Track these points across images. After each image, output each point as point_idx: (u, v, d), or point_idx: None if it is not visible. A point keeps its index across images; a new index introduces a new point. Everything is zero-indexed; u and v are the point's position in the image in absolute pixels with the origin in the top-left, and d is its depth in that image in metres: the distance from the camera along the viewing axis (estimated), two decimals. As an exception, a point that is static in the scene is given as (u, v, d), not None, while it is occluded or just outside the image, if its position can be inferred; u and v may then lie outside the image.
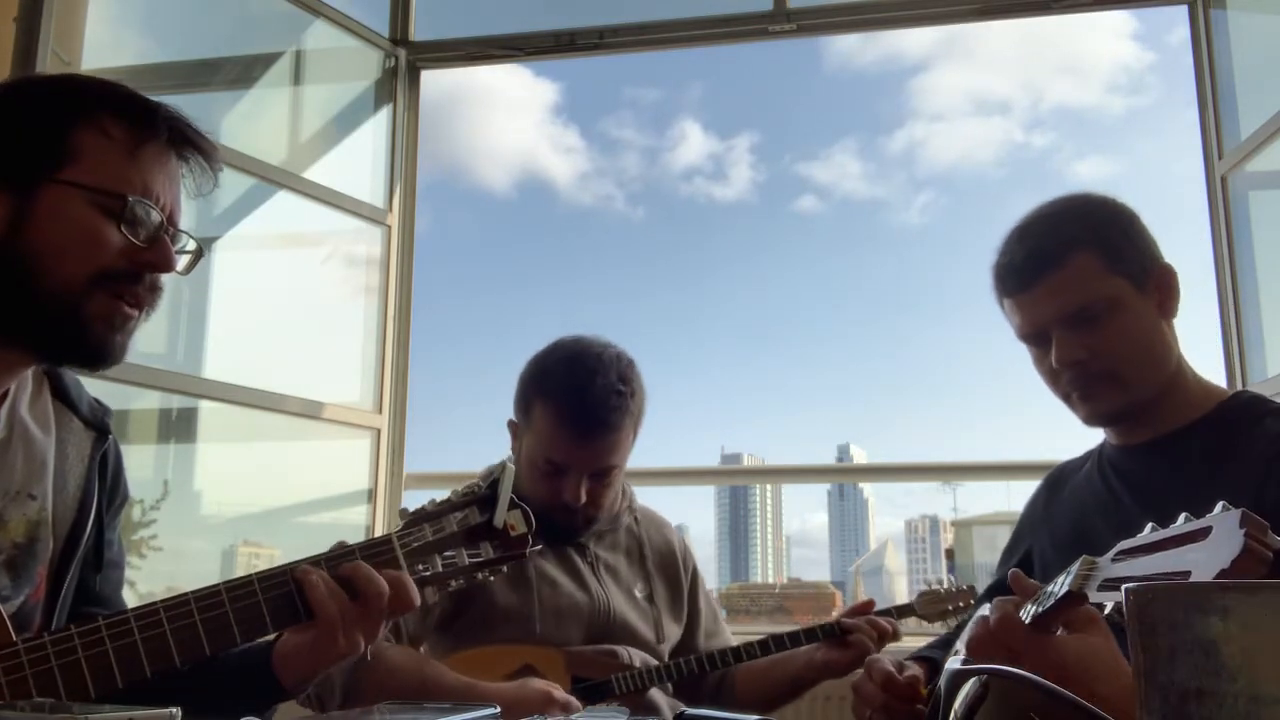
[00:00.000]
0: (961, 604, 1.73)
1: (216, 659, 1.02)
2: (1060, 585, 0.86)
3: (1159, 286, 1.28)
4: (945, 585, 1.76)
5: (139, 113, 1.01)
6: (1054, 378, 1.29)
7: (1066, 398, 1.30)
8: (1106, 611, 0.80)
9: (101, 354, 1.00)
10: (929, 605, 1.75)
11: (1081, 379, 1.26)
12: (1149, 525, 0.80)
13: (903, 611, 1.71)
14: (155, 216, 0.99)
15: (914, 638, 1.90)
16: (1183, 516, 0.75)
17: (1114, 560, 0.82)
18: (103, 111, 0.99)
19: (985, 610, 1.02)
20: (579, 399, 1.59)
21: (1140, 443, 1.31)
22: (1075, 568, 0.85)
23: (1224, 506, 0.72)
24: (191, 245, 1.06)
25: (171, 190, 1.03)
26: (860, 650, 1.60)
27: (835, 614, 1.69)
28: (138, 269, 0.98)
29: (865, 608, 1.69)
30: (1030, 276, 1.26)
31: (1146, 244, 1.29)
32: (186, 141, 1.04)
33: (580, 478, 1.61)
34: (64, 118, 0.99)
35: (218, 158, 1.08)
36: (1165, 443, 1.27)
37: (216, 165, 1.09)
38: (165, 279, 1.04)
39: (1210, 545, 0.70)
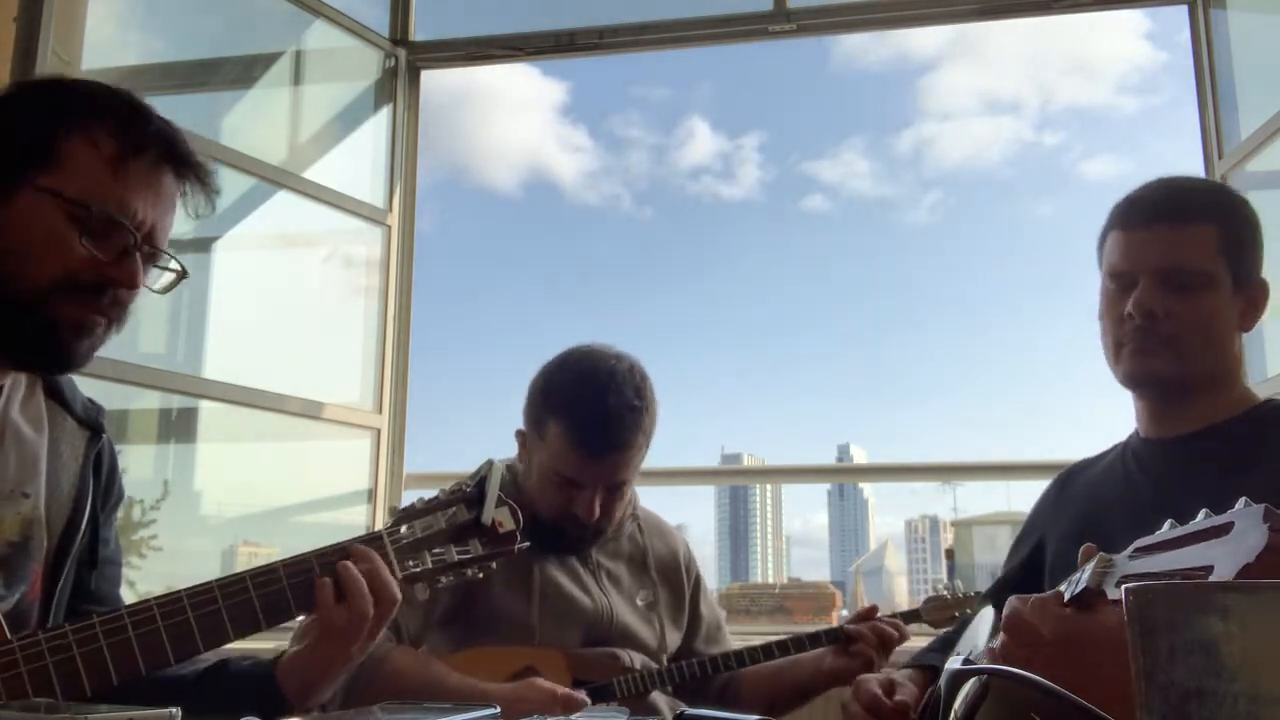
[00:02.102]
0: (968, 610, 1.74)
1: (222, 672, 1.03)
2: (1077, 583, 0.85)
3: (1250, 296, 1.30)
4: (952, 592, 1.76)
5: (131, 127, 1.01)
6: (1118, 322, 1.30)
7: (1118, 347, 1.31)
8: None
9: (63, 360, 1.01)
10: (935, 612, 1.75)
11: (1145, 333, 1.27)
12: (1167, 522, 0.79)
13: (909, 618, 1.71)
14: (124, 232, 0.99)
15: (917, 638, 1.90)
16: (1203, 513, 0.74)
17: (1131, 557, 0.81)
18: (95, 121, 1.00)
19: (987, 616, 1.02)
20: (593, 419, 1.58)
21: (1167, 437, 1.31)
22: (1092, 565, 0.84)
23: (1245, 502, 0.71)
24: (175, 265, 1.06)
25: (156, 208, 1.02)
26: (864, 658, 1.60)
27: (836, 615, 1.69)
28: (101, 282, 0.98)
29: (869, 614, 1.68)
30: (1154, 217, 1.29)
31: (1259, 255, 1.32)
32: (178, 160, 1.04)
33: (594, 493, 1.60)
34: (57, 124, 0.99)
35: (211, 179, 1.08)
36: (1192, 440, 1.28)
37: (211, 187, 1.09)
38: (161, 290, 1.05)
39: (1233, 540, 0.69)
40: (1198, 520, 0.74)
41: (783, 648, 1.66)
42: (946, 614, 1.74)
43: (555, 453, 1.60)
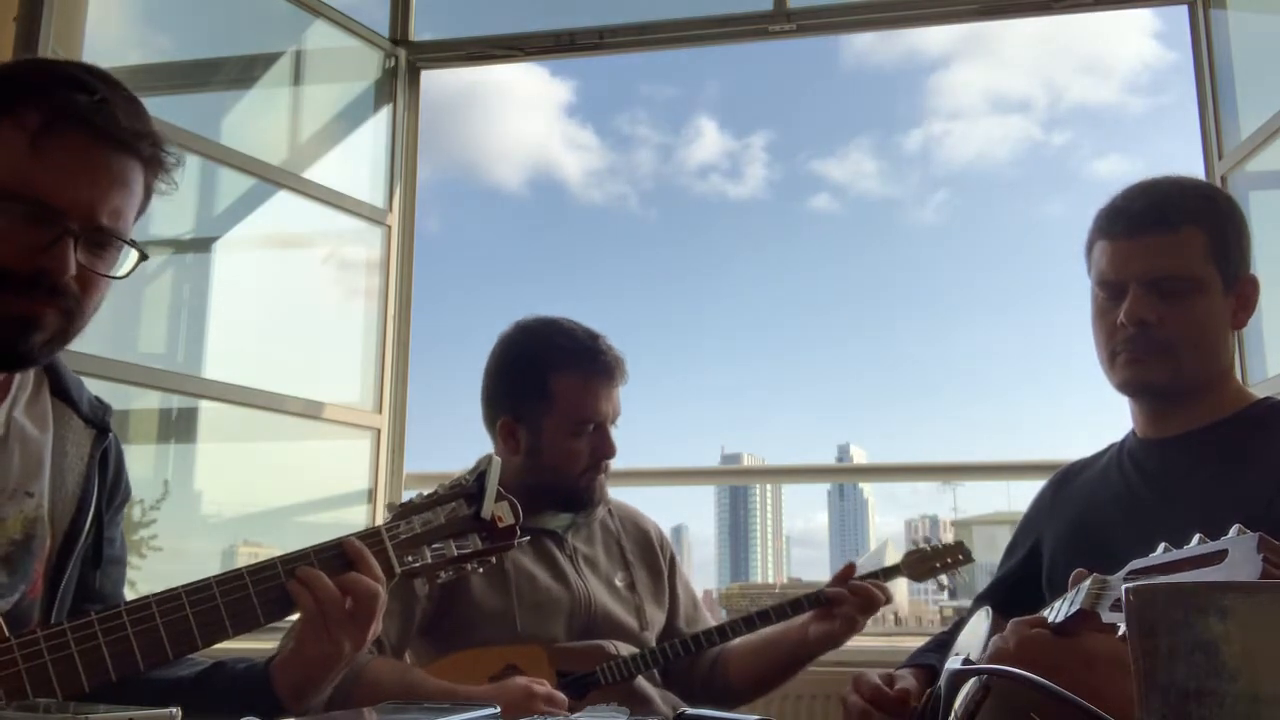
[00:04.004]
0: (949, 560, 1.74)
1: (218, 674, 1.02)
2: (1071, 603, 0.85)
3: (1241, 294, 1.30)
4: (932, 543, 1.76)
5: (55, 102, 0.94)
6: (1111, 332, 1.30)
7: (1113, 356, 1.31)
8: (1120, 633, 0.80)
9: (15, 355, 0.98)
10: (916, 565, 1.74)
11: (1138, 342, 1.27)
12: (1161, 545, 0.80)
13: (890, 573, 1.71)
14: (51, 215, 0.93)
15: (912, 638, 1.90)
16: (1196, 538, 0.75)
17: (1126, 579, 0.81)
18: (26, 100, 0.95)
19: (984, 616, 1.02)
20: (593, 353, 1.68)
21: (1164, 437, 1.32)
22: (1086, 585, 0.85)
23: (1239, 530, 0.71)
24: (129, 250, 1.00)
25: (94, 187, 0.96)
26: (848, 620, 1.60)
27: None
28: (30, 270, 0.93)
29: (847, 573, 1.66)
30: (1140, 227, 1.28)
31: (1247, 252, 1.32)
32: (105, 133, 0.96)
33: (609, 427, 1.70)
34: None
35: (156, 154, 1.01)
36: (1188, 439, 1.29)
37: (164, 161, 1.02)
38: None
39: (1227, 569, 0.69)
40: (1191, 545, 0.75)
41: (764, 617, 1.65)
42: (928, 565, 1.74)
43: (572, 403, 1.66)
